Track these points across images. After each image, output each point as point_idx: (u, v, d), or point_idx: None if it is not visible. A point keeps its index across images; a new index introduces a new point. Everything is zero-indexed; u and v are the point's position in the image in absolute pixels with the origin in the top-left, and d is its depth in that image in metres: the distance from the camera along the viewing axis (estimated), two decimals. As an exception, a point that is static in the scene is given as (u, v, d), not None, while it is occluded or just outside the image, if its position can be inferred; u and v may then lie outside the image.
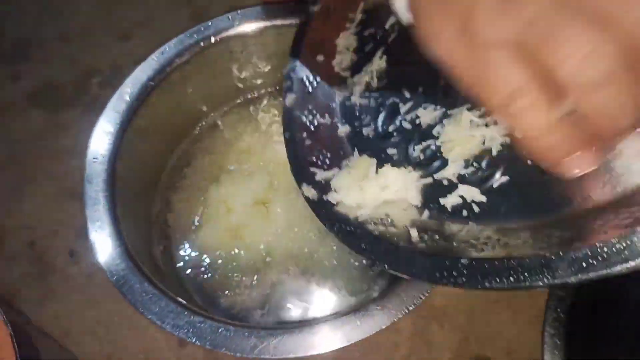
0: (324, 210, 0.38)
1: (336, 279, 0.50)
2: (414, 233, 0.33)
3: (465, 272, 0.28)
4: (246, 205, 0.51)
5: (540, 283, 0.25)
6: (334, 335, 0.40)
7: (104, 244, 0.43)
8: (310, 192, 0.39)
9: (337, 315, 0.41)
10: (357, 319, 0.40)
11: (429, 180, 0.35)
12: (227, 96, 0.57)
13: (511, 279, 0.26)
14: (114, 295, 0.42)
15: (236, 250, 0.50)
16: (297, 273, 0.51)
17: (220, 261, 0.51)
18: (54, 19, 0.71)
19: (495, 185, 0.32)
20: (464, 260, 0.28)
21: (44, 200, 0.60)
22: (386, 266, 0.32)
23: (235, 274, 0.50)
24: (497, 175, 0.32)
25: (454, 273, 0.28)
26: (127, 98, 0.48)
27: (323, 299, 0.50)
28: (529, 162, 0.29)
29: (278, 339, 0.39)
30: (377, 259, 0.33)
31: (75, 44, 0.70)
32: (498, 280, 0.26)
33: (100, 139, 0.47)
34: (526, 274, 0.25)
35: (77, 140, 0.50)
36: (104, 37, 0.70)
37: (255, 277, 0.50)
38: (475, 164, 0.33)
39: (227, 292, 0.50)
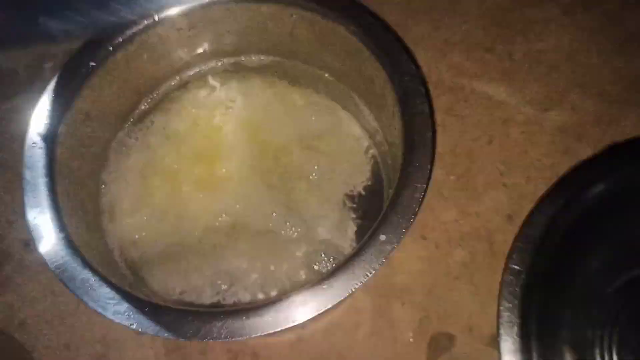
0: None
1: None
2: None
3: None
4: (193, 183, 0.50)
5: None
6: (284, 316, 0.38)
7: (44, 232, 0.41)
8: None
9: (287, 295, 0.40)
10: (304, 297, 0.39)
11: None
12: (171, 77, 0.55)
13: None
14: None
15: (185, 230, 0.49)
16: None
17: (170, 243, 0.49)
18: (4, 2, 0.69)
19: None
20: None
21: (-2, 190, 0.59)
22: None
23: (188, 255, 0.49)
24: None
25: None
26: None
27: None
28: None
29: (222, 321, 0.38)
30: None
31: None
32: None
33: (40, 123, 0.45)
34: None
35: (30, 127, 0.48)
36: (57, 20, 0.67)
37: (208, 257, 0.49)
38: None
39: (179, 274, 0.49)
